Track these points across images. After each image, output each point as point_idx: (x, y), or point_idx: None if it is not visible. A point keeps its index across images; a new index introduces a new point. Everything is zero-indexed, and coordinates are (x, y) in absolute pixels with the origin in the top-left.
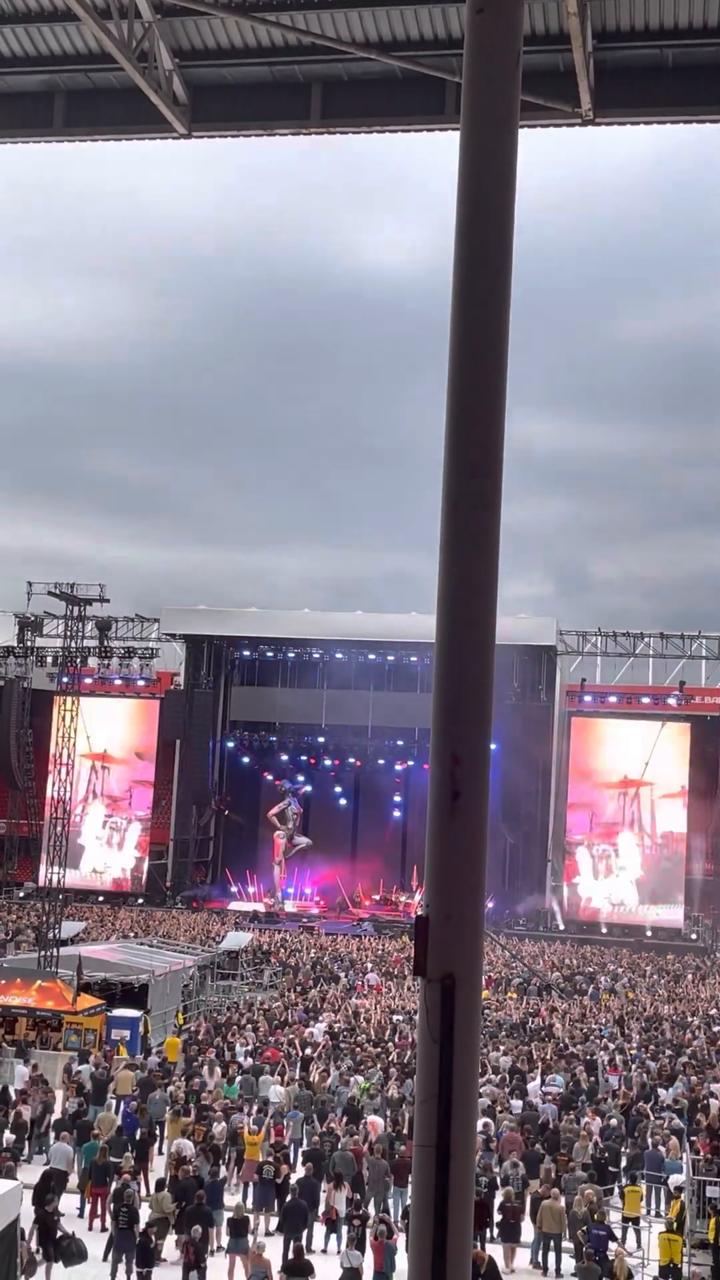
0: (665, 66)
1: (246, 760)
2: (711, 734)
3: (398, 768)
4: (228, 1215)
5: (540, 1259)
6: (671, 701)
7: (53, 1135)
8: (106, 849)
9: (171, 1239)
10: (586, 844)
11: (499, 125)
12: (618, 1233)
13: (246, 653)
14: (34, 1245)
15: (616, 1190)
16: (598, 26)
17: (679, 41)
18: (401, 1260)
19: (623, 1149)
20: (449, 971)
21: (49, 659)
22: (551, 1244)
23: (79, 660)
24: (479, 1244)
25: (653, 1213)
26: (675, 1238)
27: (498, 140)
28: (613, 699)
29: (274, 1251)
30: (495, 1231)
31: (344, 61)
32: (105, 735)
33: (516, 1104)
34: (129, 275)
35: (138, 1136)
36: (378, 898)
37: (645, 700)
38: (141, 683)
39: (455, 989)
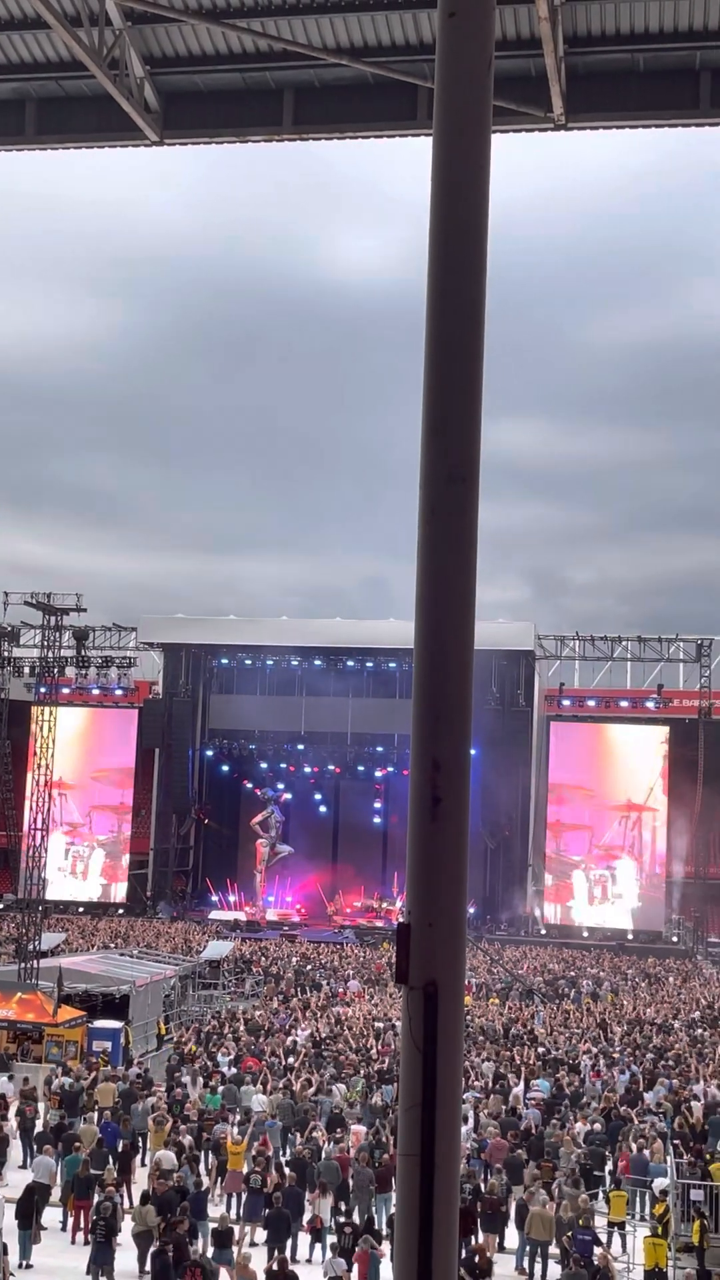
0: (636, 71)
1: (226, 768)
2: (689, 736)
3: (377, 774)
4: (212, 1226)
5: (526, 1265)
6: (650, 704)
7: (34, 1148)
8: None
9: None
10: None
11: (471, 129)
12: (603, 1237)
13: (225, 661)
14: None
15: (601, 1195)
16: (569, 31)
17: (649, 46)
18: (386, 1270)
19: (607, 1153)
20: (431, 979)
21: (26, 669)
22: (538, 1250)
23: (56, 670)
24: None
25: (637, 1217)
26: (660, 1242)
27: (470, 144)
28: (591, 703)
29: (259, 1262)
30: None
31: (316, 68)
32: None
33: (500, 1110)
34: (102, 283)
35: (120, 1148)
36: (359, 904)
37: (624, 704)
38: (119, 692)
39: (438, 996)
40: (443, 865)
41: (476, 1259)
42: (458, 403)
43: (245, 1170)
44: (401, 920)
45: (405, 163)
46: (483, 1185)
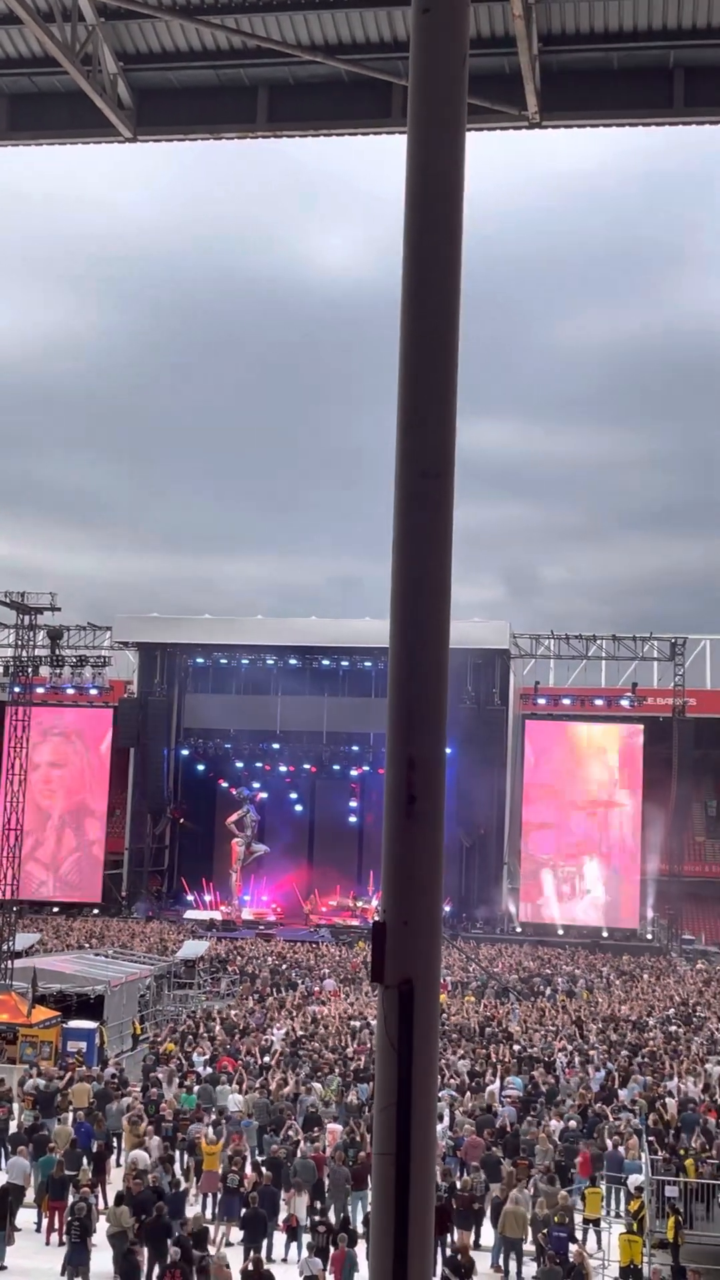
0: (610, 69)
1: (201, 768)
2: (664, 734)
3: (353, 773)
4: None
5: (501, 1263)
6: (625, 703)
7: (8, 1149)
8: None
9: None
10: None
11: (446, 124)
12: (578, 1234)
13: (200, 660)
14: None
15: (577, 1192)
16: (543, 29)
17: (623, 45)
18: (362, 1268)
19: (582, 1149)
20: (407, 977)
21: None
22: (513, 1248)
23: (30, 670)
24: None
25: (612, 1214)
26: (635, 1238)
27: (445, 139)
28: (566, 701)
29: (236, 1262)
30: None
31: (290, 65)
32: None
33: (475, 1107)
34: (78, 281)
35: (94, 1149)
36: (334, 904)
37: (599, 702)
38: (94, 692)
39: (413, 995)
40: (418, 864)
41: (460, 1257)
42: (432, 398)
43: (221, 1170)
44: (377, 919)
45: (379, 161)
46: (458, 1183)
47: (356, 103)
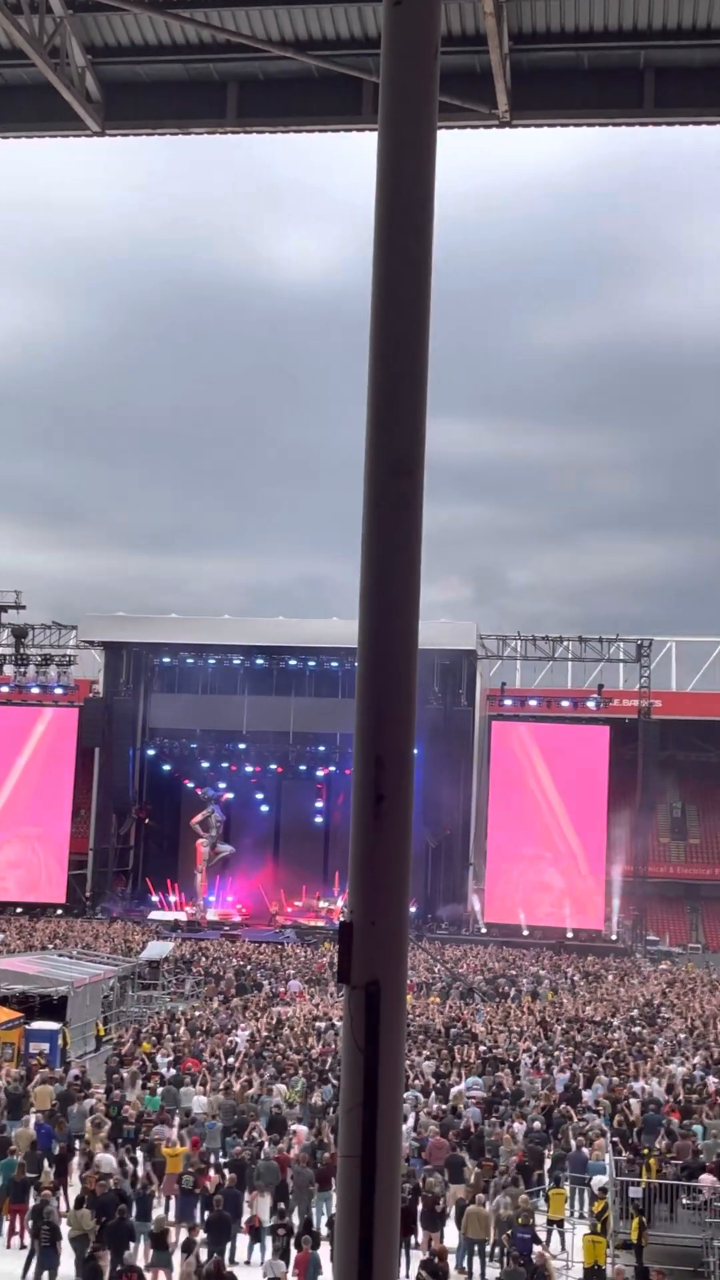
0: (581, 69)
1: (167, 768)
2: (630, 736)
3: (319, 774)
4: (150, 1228)
5: (465, 1264)
6: (591, 704)
7: None
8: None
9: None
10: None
11: (417, 116)
12: (542, 1235)
13: (166, 659)
14: None
15: (541, 1193)
16: (514, 28)
17: (594, 44)
18: (327, 1270)
19: (546, 1151)
20: (373, 978)
21: None
22: (476, 1249)
23: None
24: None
25: (576, 1214)
26: (599, 1239)
27: (416, 134)
28: (533, 702)
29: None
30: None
31: (260, 60)
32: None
33: (439, 1108)
34: (44, 280)
35: (56, 1151)
36: (300, 904)
37: (565, 704)
38: (59, 691)
39: (380, 995)
40: (385, 863)
41: (437, 1261)
42: (403, 394)
43: (180, 1171)
44: (344, 919)
45: (349, 163)
46: (422, 1184)
47: (327, 99)
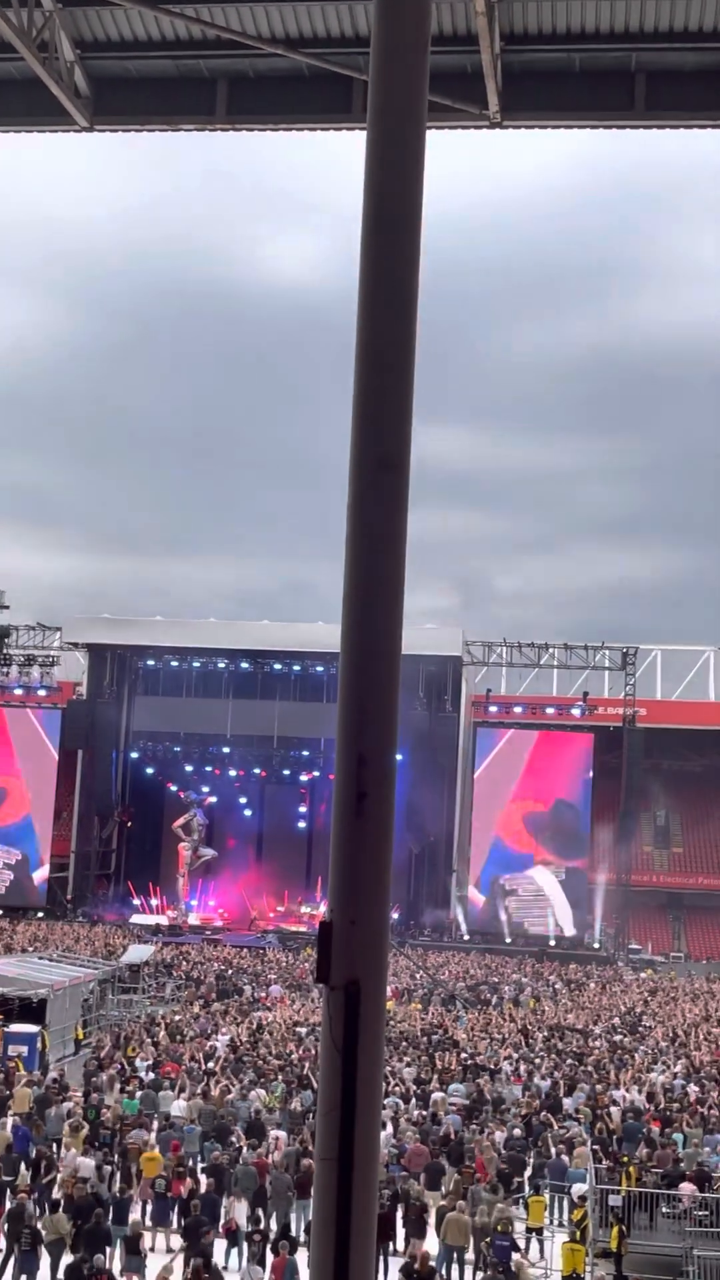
0: (572, 70)
1: (150, 771)
2: (614, 744)
3: (303, 778)
4: (125, 1233)
5: (444, 1271)
6: (576, 712)
7: None
8: None
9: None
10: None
11: (407, 117)
12: (521, 1243)
13: (151, 662)
14: None
15: (520, 1201)
16: (505, 28)
17: (586, 46)
18: (304, 1276)
19: (526, 1158)
20: (353, 978)
21: None
22: (455, 1256)
23: None
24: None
25: (556, 1222)
26: (578, 1247)
27: (405, 132)
28: (518, 709)
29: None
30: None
31: (250, 57)
32: None
33: (419, 1115)
34: (37, 281)
35: (33, 1154)
36: (282, 909)
37: (550, 711)
38: (42, 692)
39: (360, 996)
40: (367, 861)
41: (417, 1267)
42: (389, 388)
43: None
44: (324, 919)
45: (338, 168)
46: (412, 1192)
47: (317, 97)
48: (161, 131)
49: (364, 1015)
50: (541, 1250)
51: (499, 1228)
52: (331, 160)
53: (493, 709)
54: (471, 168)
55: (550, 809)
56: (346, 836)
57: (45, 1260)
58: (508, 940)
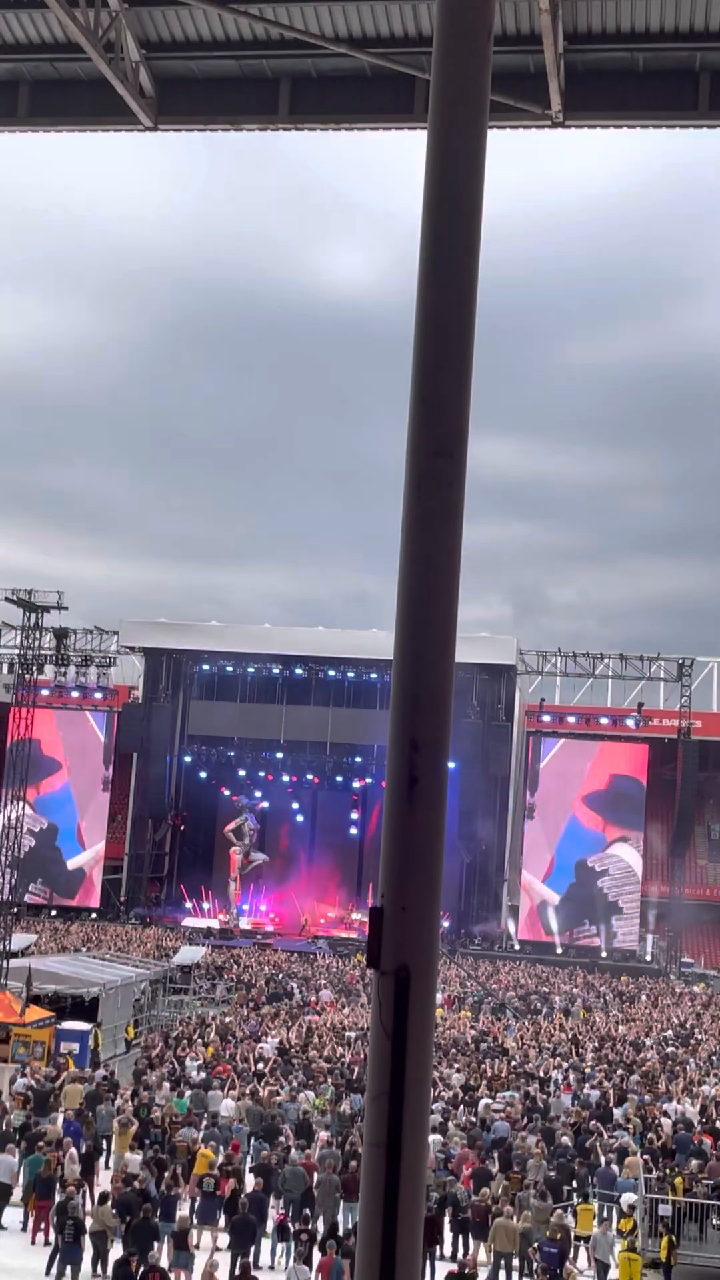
0: (635, 70)
1: (204, 775)
2: (669, 756)
3: (355, 785)
4: (173, 1228)
5: (492, 1276)
6: (630, 723)
7: None
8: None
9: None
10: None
11: (468, 117)
12: (570, 1250)
13: (206, 667)
14: None
15: (570, 1209)
16: (569, 27)
17: (649, 45)
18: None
19: (575, 1166)
20: (403, 963)
21: (3, 667)
22: (503, 1263)
23: (35, 668)
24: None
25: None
26: (635, 1257)
27: (466, 131)
28: (571, 719)
29: (224, 1270)
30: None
31: (313, 57)
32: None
33: (468, 1120)
34: (92, 288)
35: (83, 1150)
36: (333, 915)
37: (604, 721)
38: (99, 695)
39: (410, 982)
40: (419, 847)
41: (467, 1271)
42: (447, 376)
43: (203, 1174)
44: (375, 904)
45: (396, 178)
46: (474, 1195)
47: (378, 97)
48: (224, 131)
49: (413, 1000)
50: (589, 1258)
51: (549, 1235)
52: (386, 172)
53: (546, 718)
54: (531, 173)
55: (602, 820)
56: (398, 822)
57: (88, 1254)
58: (559, 951)
